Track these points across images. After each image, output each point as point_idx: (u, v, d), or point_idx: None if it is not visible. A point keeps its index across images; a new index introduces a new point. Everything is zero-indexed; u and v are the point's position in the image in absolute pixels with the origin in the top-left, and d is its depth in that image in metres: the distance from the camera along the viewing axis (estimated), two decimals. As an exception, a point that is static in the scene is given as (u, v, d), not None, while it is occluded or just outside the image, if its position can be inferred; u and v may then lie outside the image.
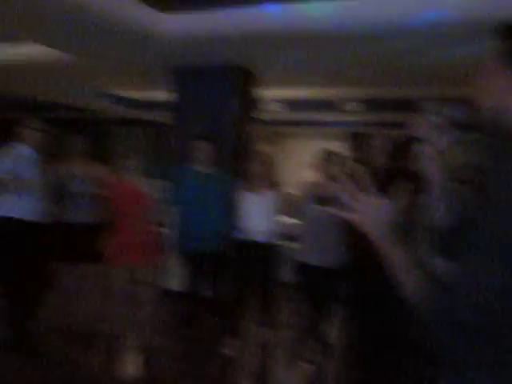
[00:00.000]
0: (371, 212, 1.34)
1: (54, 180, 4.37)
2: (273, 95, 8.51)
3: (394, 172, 3.44)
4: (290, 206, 4.15)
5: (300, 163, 12.17)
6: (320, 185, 3.96)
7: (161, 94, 9.15)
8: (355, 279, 3.83)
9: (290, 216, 4.26)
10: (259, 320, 4.40)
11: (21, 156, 3.95)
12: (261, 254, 4.10)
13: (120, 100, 10.00)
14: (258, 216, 4.11)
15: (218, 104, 5.68)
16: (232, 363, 4.04)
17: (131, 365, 4.03)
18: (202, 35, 4.78)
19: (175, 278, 5.62)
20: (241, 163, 5.67)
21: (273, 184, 4.20)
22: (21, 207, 3.89)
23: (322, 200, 3.89)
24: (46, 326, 4.39)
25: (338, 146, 12.08)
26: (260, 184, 4.17)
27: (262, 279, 4.20)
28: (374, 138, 3.84)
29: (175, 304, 5.24)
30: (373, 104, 8.83)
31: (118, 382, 3.71)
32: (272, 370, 4.11)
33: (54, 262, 4.51)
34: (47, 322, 4.48)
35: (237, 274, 4.19)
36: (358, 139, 11.99)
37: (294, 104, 9.28)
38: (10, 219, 3.87)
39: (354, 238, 3.85)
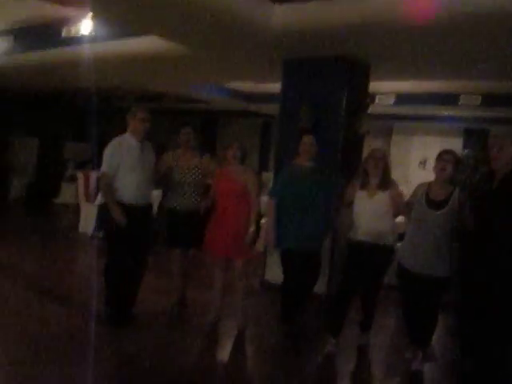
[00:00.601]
0: None
1: (162, 169, 4.51)
2: (385, 88, 8.21)
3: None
4: (402, 207, 3.90)
5: (411, 160, 11.74)
6: (435, 187, 3.70)
7: (271, 87, 9.28)
8: (464, 289, 3.59)
9: (402, 216, 4.01)
10: (360, 321, 4.27)
11: (127, 144, 4.11)
12: (370, 255, 3.88)
13: (229, 92, 10.20)
14: (371, 216, 3.90)
15: (328, 96, 5.54)
16: (329, 362, 3.92)
17: (224, 351, 4.10)
18: (313, 25, 4.68)
19: (274, 271, 5.65)
20: (350, 158, 5.52)
21: (387, 182, 3.91)
22: (125, 191, 4.06)
23: (435, 203, 3.64)
24: (144, 308, 4.54)
25: (452, 143, 11.57)
26: (374, 182, 3.91)
27: (368, 280, 4.04)
28: (493, 137, 3.46)
29: (273, 296, 5.27)
30: (491, 99, 8.19)
31: (211, 368, 3.75)
32: (368, 372, 3.95)
33: (157, 246, 4.68)
34: (146, 304, 4.65)
35: (344, 272, 4.03)
36: (474, 136, 11.27)
37: (406, 97, 8.87)
38: (120, 204, 4.04)
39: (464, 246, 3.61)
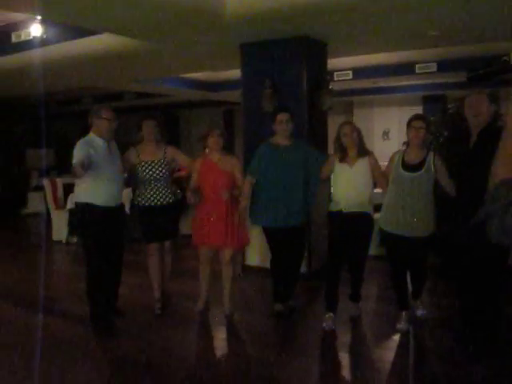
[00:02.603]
0: None
1: (127, 167, 4.43)
2: (342, 64, 8.29)
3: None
4: (380, 174, 4.06)
5: (374, 132, 11.89)
6: (410, 152, 3.86)
7: (230, 74, 9.26)
8: (445, 248, 3.73)
9: (380, 185, 4.12)
10: (350, 293, 4.37)
11: (95, 145, 4.02)
12: (355, 225, 4.01)
13: (188, 83, 10.13)
14: (354, 185, 4.02)
15: (288, 77, 5.58)
16: (326, 336, 4.01)
17: (216, 340, 4.13)
18: (267, 9, 4.70)
19: (253, 255, 5.73)
20: (315, 135, 5.59)
21: (365, 150, 4.08)
22: (97, 194, 4.00)
23: (411, 167, 3.80)
24: (126, 304, 4.56)
25: (412, 111, 11.78)
26: (352, 153, 4.04)
27: (352, 252, 4.16)
28: (472, 95, 3.55)
29: (259, 279, 5.34)
30: (446, 64, 8.37)
31: (204, 358, 3.78)
32: (364, 342, 4.06)
33: (135, 243, 4.68)
34: (128, 299, 4.69)
35: (330, 245, 4.12)
36: (433, 102, 11.51)
37: (363, 71, 8.99)
38: (87, 205, 4.00)
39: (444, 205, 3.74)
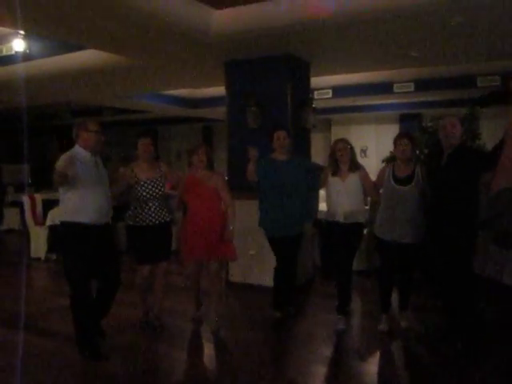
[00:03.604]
0: None
1: (122, 184, 4.25)
2: (322, 83, 8.43)
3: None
4: (370, 187, 4.34)
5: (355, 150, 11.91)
6: (399, 167, 4.11)
7: (209, 91, 9.32)
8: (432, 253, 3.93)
9: (372, 196, 4.45)
10: (336, 307, 4.45)
11: (80, 158, 3.83)
12: (347, 234, 4.29)
13: (168, 99, 10.14)
14: (346, 197, 4.27)
15: (272, 95, 5.66)
16: (313, 349, 4.04)
17: (206, 357, 4.10)
18: (252, 28, 4.79)
19: (236, 271, 5.73)
20: (299, 152, 5.65)
21: (356, 165, 4.34)
22: (84, 211, 3.78)
23: (402, 180, 4.05)
24: (118, 323, 4.50)
25: (389, 129, 12.00)
26: (344, 168, 4.31)
27: (345, 258, 4.37)
28: (445, 118, 3.82)
29: (243, 295, 5.34)
30: (423, 84, 8.61)
31: (195, 376, 3.75)
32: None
33: (129, 263, 4.54)
34: (120, 318, 4.60)
35: (322, 256, 4.37)
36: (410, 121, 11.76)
37: (342, 90, 9.15)
38: (74, 224, 3.78)
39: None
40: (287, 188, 4.40)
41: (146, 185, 4.23)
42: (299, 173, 4.48)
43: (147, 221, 4.24)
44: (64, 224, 3.85)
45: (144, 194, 4.22)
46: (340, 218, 4.29)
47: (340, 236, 4.32)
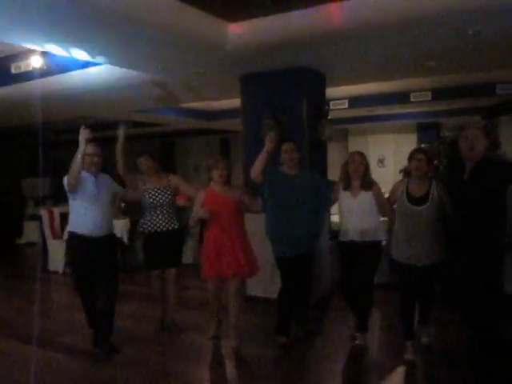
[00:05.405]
0: None
1: (135, 194, 4.63)
2: (339, 93, 8.39)
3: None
4: (384, 205, 4.12)
5: (370, 160, 11.89)
6: (413, 184, 3.89)
7: (225, 103, 9.33)
8: (452, 276, 3.76)
9: (385, 216, 4.19)
10: (356, 324, 4.36)
11: (83, 180, 4.09)
12: (360, 253, 4.10)
13: (184, 112, 10.18)
14: (357, 215, 4.09)
15: (288, 107, 5.63)
16: (333, 367, 3.96)
17: (224, 373, 4.05)
18: (268, 40, 4.78)
19: (254, 285, 5.66)
20: (316, 165, 5.61)
21: (369, 183, 4.14)
22: (81, 223, 4.12)
23: (416, 199, 3.82)
24: (128, 334, 4.55)
25: (406, 139, 11.89)
26: (356, 184, 4.13)
27: (361, 279, 4.17)
28: (467, 129, 3.53)
29: (263, 309, 5.28)
30: (440, 93, 8.51)
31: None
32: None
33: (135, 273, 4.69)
34: (130, 330, 4.65)
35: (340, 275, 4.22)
36: (427, 130, 11.63)
37: (359, 100, 9.10)
38: (72, 234, 4.18)
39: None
40: (295, 205, 4.14)
41: (153, 192, 4.59)
42: (309, 188, 4.23)
43: (155, 227, 4.57)
44: (69, 233, 4.31)
45: (151, 200, 4.57)
46: (354, 237, 4.09)
47: (356, 255, 4.10)
